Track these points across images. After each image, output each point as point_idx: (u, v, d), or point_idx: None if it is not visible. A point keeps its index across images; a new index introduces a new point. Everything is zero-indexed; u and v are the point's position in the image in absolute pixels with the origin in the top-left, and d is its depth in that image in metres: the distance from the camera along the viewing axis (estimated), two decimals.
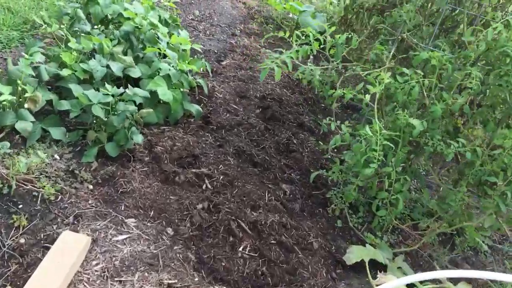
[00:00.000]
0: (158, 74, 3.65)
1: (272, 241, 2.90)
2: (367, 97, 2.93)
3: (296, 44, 3.13)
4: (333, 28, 3.19)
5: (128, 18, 4.05)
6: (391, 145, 2.93)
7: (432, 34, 3.37)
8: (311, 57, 3.35)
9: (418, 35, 3.62)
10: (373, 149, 2.89)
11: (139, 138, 3.20)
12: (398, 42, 3.36)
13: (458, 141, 2.94)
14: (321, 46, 3.25)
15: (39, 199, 2.64)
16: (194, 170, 3.25)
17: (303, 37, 3.09)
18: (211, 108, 4.12)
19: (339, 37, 3.20)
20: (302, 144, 4.08)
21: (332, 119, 3.23)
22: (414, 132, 3.00)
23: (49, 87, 3.40)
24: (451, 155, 2.91)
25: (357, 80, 3.81)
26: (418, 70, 3.10)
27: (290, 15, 7.03)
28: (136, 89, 3.29)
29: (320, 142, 4.22)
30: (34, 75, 3.10)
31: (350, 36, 3.23)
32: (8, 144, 2.59)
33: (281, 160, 3.73)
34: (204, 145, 3.60)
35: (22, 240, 2.39)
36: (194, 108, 3.83)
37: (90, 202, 2.76)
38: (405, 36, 3.28)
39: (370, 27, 3.63)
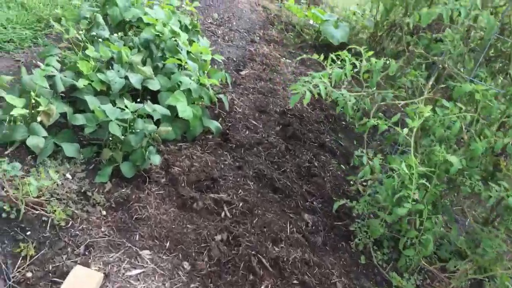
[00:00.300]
0: (178, 88, 3.44)
1: (295, 281, 2.70)
2: (405, 131, 2.72)
3: (330, 68, 2.92)
4: (370, 53, 2.97)
5: (148, 24, 3.85)
6: (427, 184, 2.73)
7: (474, 63, 3.16)
8: (345, 82, 3.15)
9: (454, 60, 3.41)
10: (407, 187, 2.70)
11: (156, 159, 3.00)
12: (438, 70, 3.14)
13: (500, 184, 2.74)
14: (355, 70, 3.05)
15: (48, 225, 2.45)
16: (212, 196, 3.05)
17: (339, 62, 2.88)
18: (230, 124, 3.92)
19: (376, 63, 2.99)
20: (324, 167, 3.87)
21: (364, 151, 3.02)
22: (451, 170, 2.80)
23: (63, 94, 3.20)
24: (492, 200, 2.70)
25: (389, 105, 3.58)
26: (459, 104, 2.90)
27: (311, 22, 6.81)
28: (156, 106, 3.09)
29: (341, 165, 4.03)
30: (48, 86, 2.89)
31: (387, 62, 3.01)
32: (19, 166, 2.39)
33: (303, 186, 3.53)
34: (222, 166, 3.40)
35: (29, 274, 2.20)
36: (214, 125, 3.63)
37: (102, 229, 2.56)
38: (447, 66, 3.07)
39: (407, 50, 3.41)
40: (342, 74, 2.95)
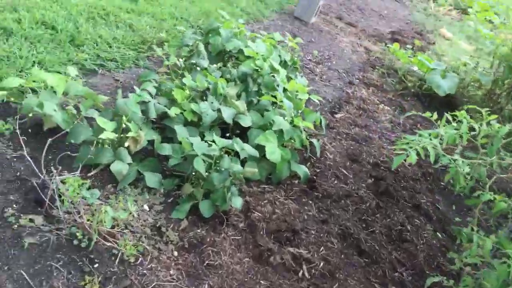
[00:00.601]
0: (270, 126, 3.26)
1: None
2: None
3: (442, 128, 2.57)
4: (494, 117, 2.58)
5: (249, 57, 3.73)
6: None
7: None
8: (460, 146, 2.77)
9: None
10: None
11: (237, 202, 2.81)
12: None
13: None
14: (472, 133, 2.67)
15: (117, 259, 2.31)
16: (291, 250, 2.78)
17: (455, 123, 2.52)
18: (318, 170, 3.65)
19: (499, 129, 2.59)
20: (417, 232, 3.45)
21: (476, 229, 2.60)
22: None
23: (153, 120, 3.13)
24: None
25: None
26: None
27: (415, 69, 6.41)
28: (245, 145, 2.91)
29: (437, 232, 3.58)
30: (140, 112, 2.83)
31: None
32: (98, 194, 2.30)
33: (392, 252, 3.15)
34: (306, 217, 3.12)
35: None
36: (302, 170, 3.38)
37: (171, 272, 2.38)
38: None
39: None
40: (457, 136, 2.59)
